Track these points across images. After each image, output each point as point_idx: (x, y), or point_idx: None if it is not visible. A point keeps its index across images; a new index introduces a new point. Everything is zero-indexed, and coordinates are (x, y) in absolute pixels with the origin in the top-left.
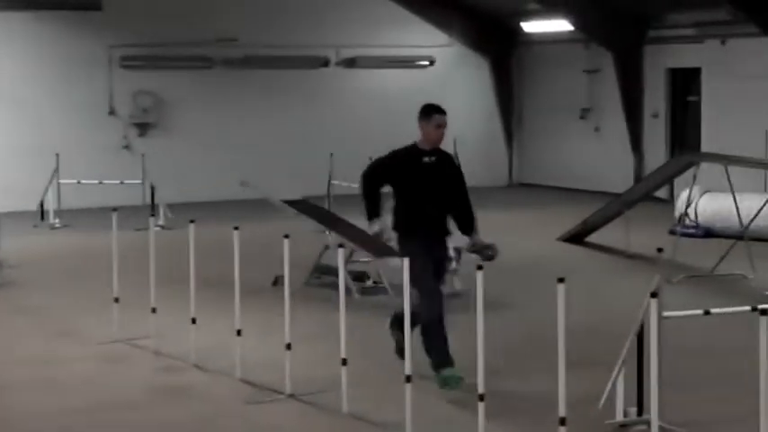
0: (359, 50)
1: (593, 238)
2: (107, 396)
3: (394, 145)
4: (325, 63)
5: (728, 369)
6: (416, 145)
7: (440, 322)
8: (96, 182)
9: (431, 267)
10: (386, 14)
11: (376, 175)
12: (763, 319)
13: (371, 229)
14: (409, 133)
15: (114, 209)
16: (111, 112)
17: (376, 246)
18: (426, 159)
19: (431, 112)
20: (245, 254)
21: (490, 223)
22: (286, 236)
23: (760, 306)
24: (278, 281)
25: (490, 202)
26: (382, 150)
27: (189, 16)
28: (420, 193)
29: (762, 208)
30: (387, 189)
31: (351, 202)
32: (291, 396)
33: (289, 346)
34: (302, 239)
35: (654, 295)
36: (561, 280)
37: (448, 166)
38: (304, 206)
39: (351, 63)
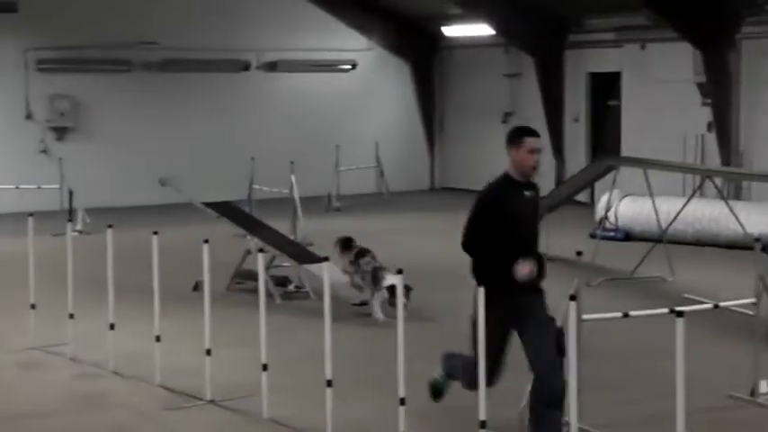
0: (280, 54)
1: None
2: (23, 404)
3: (315, 147)
4: (246, 67)
5: (647, 371)
6: (509, 176)
7: (560, 401)
8: (13, 187)
9: (545, 330)
10: (307, 18)
11: (477, 238)
12: (679, 320)
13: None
14: (330, 136)
15: (31, 214)
16: (28, 116)
17: (297, 251)
18: (527, 194)
19: (521, 136)
20: (166, 259)
21: (411, 228)
22: (206, 241)
23: (677, 308)
24: (198, 286)
25: (412, 206)
26: (303, 153)
27: (107, 19)
28: (521, 236)
29: (680, 211)
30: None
31: (272, 207)
32: (211, 402)
33: (209, 352)
34: (223, 244)
35: (572, 298)
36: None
37: (538, 202)
38: (225, 209)
39: (272, 67)
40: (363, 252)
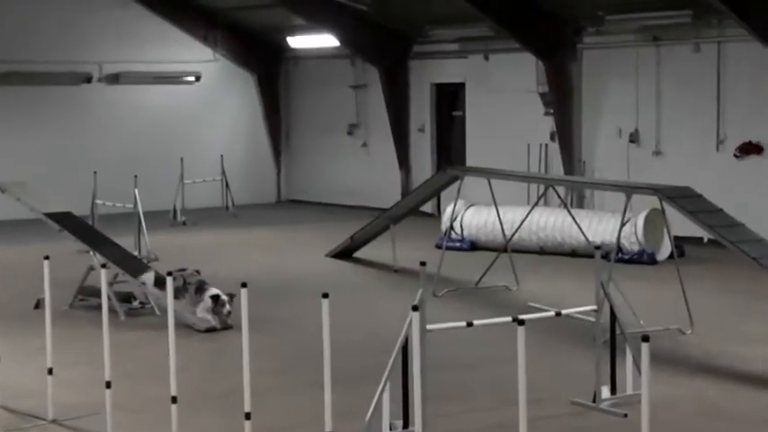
0: (122, 66)
1: (360, 253)
2: None
3: (160, 161)
4: (88, 79)
5: (492, 379)
6: None
7: None
8: None
9: None
10: (151, 30)
11: None
12: (520, 329)
13: None
14: (175, 149)
15: None
16: None
17: (138, 267)
18: None
19: None
20: (5, 276)
21: (256, 241)
22: (46, 257)
23: (520, 316)
24: (40, 304)
25: (258, 219)
26: (147, 167)
27: None
28: None
29: (524, 220)
30: None
31: (116, 221)
32: (54, 422)
33: (50, 371)
34: (66, 260)
35: (415, 308)
36: (326, 295)
37: None
38: (67, 221)
39: (114, 79)
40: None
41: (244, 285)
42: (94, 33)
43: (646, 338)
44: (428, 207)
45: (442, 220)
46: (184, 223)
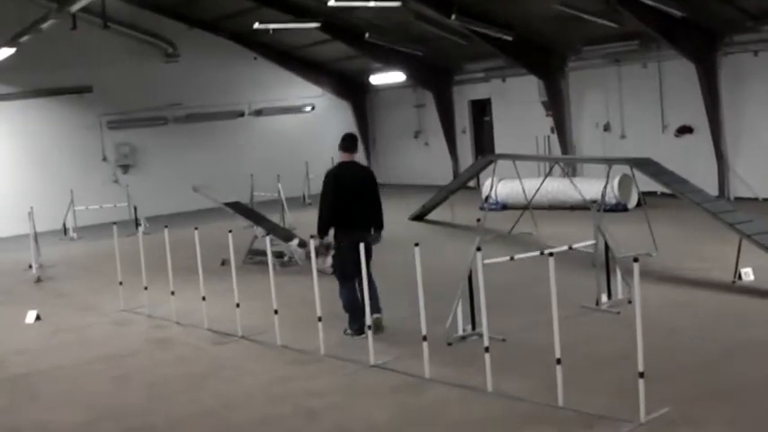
0: (263, 103)
1: (430, 216)
2: (118, 347)
3: (292, 163)
4: (241, 114)
5: (526, 294)
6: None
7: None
8: (98, 206)
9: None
10: (280, 78)
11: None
12: (550, 259)
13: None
14: (301, 155)
15: (114, 223)
16: (104, 159)
17: (285, 234)
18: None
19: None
20: (202, 246)
21: None
22: (230, 231)
23: (545, 251)
24: (225, 262)
25: None
26: (285, 167)
27: (148, 91)
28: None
29: (539, 187)
30: None
31: (266, 206)
32: (243, 337)
33: (237, 305)
34: (237, 233)
35: (479, 250)
36: (417, 244)
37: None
38: (238, 207)
39: (258, 113)
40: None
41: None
42: (245, 82)
43: (636, 260)
44: (471, 183)
45: (481, 191)
46: (310, 204)
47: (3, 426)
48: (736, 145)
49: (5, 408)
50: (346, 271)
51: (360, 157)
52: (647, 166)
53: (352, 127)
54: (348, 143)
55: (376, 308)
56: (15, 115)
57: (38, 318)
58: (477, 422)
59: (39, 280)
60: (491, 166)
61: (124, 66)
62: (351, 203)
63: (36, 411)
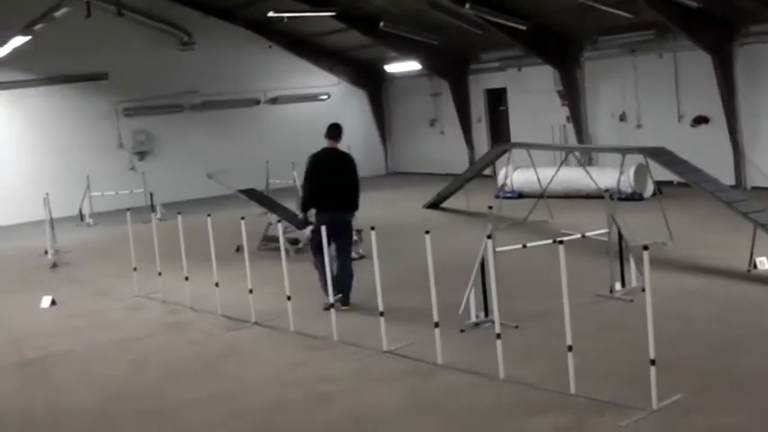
0: (279, 92)
1: (445, 204)
2: (133, 331)
3: (311, 150)
4: (257, 102)
5: (540, 281)
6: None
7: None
8: (114, 192)
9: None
10: (296, 66)
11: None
12: (561, 247)
13: None
14: (317, 143)
15: (128, 209)
16: (120, 146)
17: (299, 222)
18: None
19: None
20: (216, 232)
21: (375, 200)
22: (242, 218)
23: (558, 239)
24: (239, 248)
25: (373, 185)
26: (302, 155)
27: (164, 77)
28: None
29: (554, 176)
30: None
31: (281, 193)
32: (256, 323)
33: (251, 291)
34: (252, 220)
35: (489, 237)
36: (427, 232)
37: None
38: (253, 194)
39: (274, 101)
40: None
41: (372, 228)
42: (260, 71)
43: (646, 248)
44: (487, 171)
45: (497, 179)
46: None
47: (17, 408)
48: (753, 135)
49: (20, 391)
50: (314, 247)
51: (376, 144)
52: (660, 155)
53: (368, 116)
54: (332, 132)
55: (340, 288)
56: (32, 102)
57: (53, 303)
58: (489, 408)
59: (54, 265)
60: (506, 155)
61: (140, 53)
62: (329, 184)
63: (50, 394)
